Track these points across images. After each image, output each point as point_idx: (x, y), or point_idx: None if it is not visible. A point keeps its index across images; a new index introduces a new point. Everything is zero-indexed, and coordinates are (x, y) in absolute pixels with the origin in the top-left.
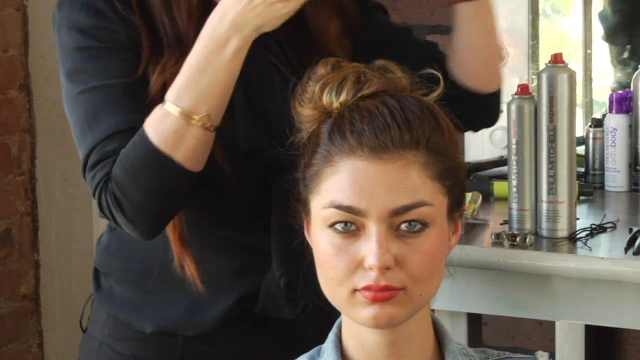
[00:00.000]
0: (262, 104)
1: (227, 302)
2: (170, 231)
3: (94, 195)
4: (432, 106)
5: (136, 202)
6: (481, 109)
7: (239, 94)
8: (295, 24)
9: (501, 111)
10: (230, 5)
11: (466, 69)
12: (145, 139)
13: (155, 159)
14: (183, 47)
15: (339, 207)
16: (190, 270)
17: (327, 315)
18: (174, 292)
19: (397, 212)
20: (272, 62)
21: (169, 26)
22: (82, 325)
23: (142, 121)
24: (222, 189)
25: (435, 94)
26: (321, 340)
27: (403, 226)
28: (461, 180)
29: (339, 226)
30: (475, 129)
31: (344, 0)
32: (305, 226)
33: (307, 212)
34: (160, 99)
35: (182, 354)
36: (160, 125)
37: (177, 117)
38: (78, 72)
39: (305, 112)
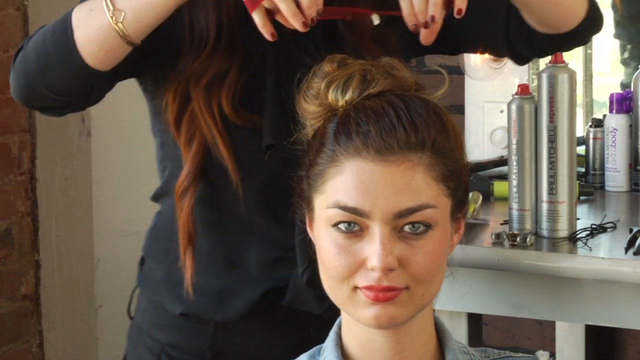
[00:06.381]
0: (292, 101)
1: (256, 292)
2: (181, 228)
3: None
4: (438, 107)
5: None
6: (580, 35)
7: (270, 90)
8: (329, 29)
9: (600, 25)
10: None
11: (548, 29)
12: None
13: (65, 39)
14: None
15: (343, 208)
16: (188, 272)
17: None
18: (206, 277)
19: (402, 214)
20: (307, 62)
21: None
22: (129, 313)
23: None
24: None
25: (439, 93)
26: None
27: (407, 228)
28: (465, 181)
29: (342, 226)
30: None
31: None
32: (307, 222)
33: (311, 209)
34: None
35: (213, 341)
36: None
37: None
38: None
39: (310, 109)
